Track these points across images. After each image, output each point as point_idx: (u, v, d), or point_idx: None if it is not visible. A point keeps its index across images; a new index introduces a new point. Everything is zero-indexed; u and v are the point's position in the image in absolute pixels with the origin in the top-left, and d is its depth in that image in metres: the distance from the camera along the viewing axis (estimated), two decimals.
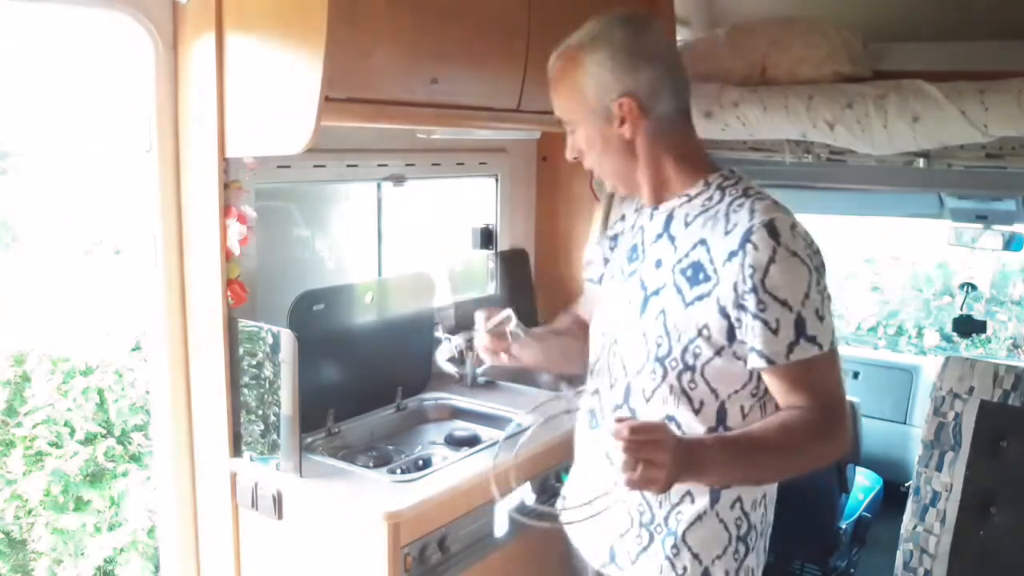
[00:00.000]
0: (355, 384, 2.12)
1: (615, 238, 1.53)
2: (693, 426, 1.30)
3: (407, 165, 2.34)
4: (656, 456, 1.12)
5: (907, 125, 2.15)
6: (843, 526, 2.72)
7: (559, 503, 1.52)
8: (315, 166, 2.08)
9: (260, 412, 1.80)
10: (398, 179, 2.33)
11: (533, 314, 2.73)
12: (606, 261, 1.54)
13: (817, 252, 1.26)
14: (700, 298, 1.27)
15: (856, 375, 3.58)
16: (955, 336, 4.57)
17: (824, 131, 2.28)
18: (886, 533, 2.56)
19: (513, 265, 2.74)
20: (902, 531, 2.21)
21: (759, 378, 1.29)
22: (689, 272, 1.29)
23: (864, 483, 3.04)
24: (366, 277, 2.42)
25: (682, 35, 2.64)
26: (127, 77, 1.84)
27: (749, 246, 1.22)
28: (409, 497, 1.67)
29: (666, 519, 1.34)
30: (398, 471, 1.88)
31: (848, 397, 2.73)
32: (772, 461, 1.26)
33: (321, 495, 1.74)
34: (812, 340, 1.23)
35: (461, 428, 2.20)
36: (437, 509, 1.71)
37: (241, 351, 1.82)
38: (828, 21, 2.39)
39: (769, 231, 1.22)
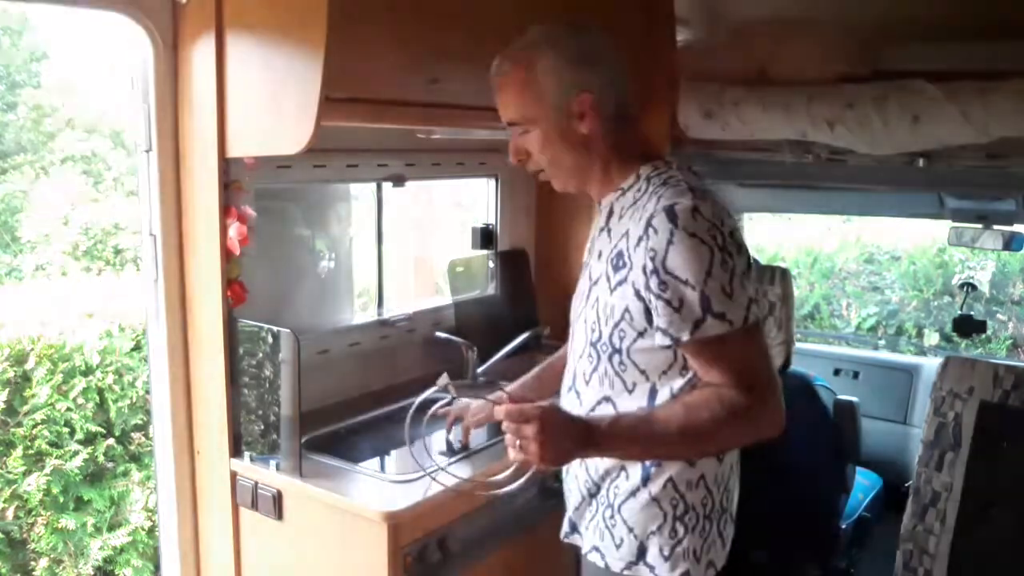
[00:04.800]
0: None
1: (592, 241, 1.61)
2: (628, 407, 1.37)
3: (407, 165, 2.34)
4: (527, 437, 1.24)
5: (907, 125, 2.15)
6: (843, 526, 2.72)
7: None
8: (315, 166, 2.08)
9: (260, 412, 1.80)
10: (398, 179, 2.33)
11: (533, 314, 2.73)
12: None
13: (725, 233, 1.28)
14: (620, 283, 1.35)
15: (856, 375, 3.58)
16: (955, 336, 4.57)
17: (824, 131, 2.28)
18: (886, 533, 2.55)
19: (513, 265, 2.75)
20: (902, 531, 2.21)
21: (684, 360, 1.34)
22: (615, 260, 1.36)
23: (864, 483, 3.03)
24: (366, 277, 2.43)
25: (682, 35, 2.63)
26: (127, 77, 1.84)
27: (650, 230, 1.28)
28: (409, 497, 1.67)
29: (606, 491, 1.43)
30: (399, 471, 1.88)
31: (848, 397, 2.75)
32: (674, 439, 1.30)
33: (321, 495, 1.73)
34: (720, 317, 1.26)
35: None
36: (437, 509, 1.71)
37: (241, 351, 1.82)
38: (828, 21, 2.39)
39: (668, 215, 1.27)
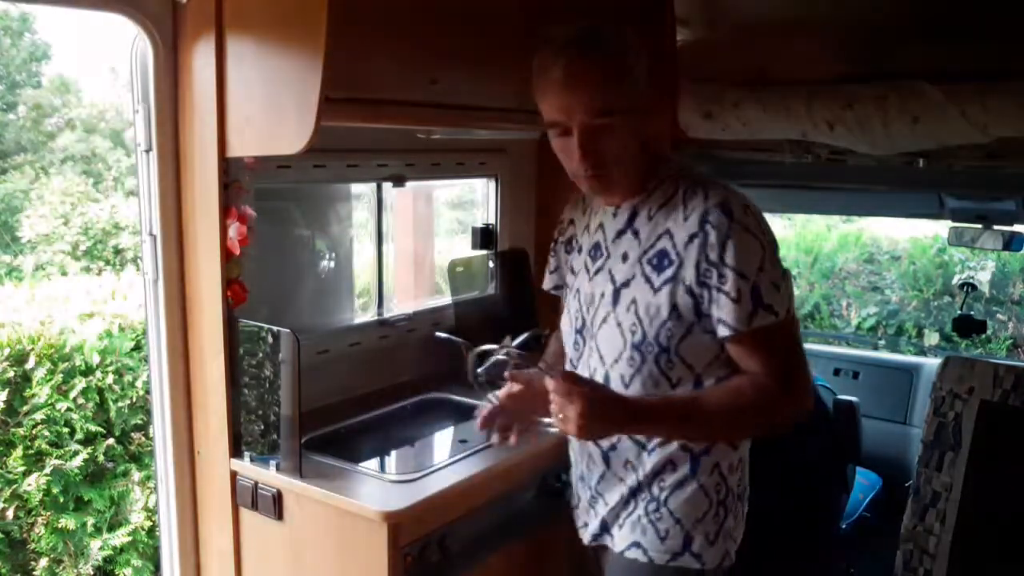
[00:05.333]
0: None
1: (570, 242, 1.61)
2: None
3: (407, 165, 2.34)
4: (570, 416, 1.28)
5: (907, 125, 2.15)
6: (843, 526, 2.73)
7: (569, 491, 1.63)
8: (315, 166, 2.08)
9: (260, 412, 1.80)
10: (398, 179, 2.33)
11: (533, 314, 2.73)
12: (565, 265, 1.63)
13: (768, 230, 1.36)
14: (667, 282, 1.36)
15: (856, 375, 3.58)
16: (955, 336, 4.57)
17: (824, 131, 2.28)
18: (886, 533, 2.55)
19: (513, 265, 2.74)
20: (902, 531, 2.21)
21: (722, 346, 1.38)
22: (655, 260, 1.38)
23: (864, 483, 3.03)
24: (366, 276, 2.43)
25: (682, 35, 2.63)
26: (127, 77, 1.84)
27: (708, 226, 1.32)
28: (409, 497, 1.67)
29: (650, 485, 1.44)
30: (399, 471, 1.88)
31: (848, 397, 2.75)
32: (718, 420, 1.35)
33: (321, 495, 1.73)
34: (769, 308, 1.32)
35: (464, 426, 2.21)
36: (437, 509, 1.71)
37: (241, 351, 1.82)
38: (828, 21, 2.39)
39: (724, 211, 1.32)
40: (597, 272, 1.48)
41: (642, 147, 1.40)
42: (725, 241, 1.31)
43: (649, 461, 1.43)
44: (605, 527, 1.52)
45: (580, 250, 1.56)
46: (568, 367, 1.57)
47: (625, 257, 1.43)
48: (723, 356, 1.39)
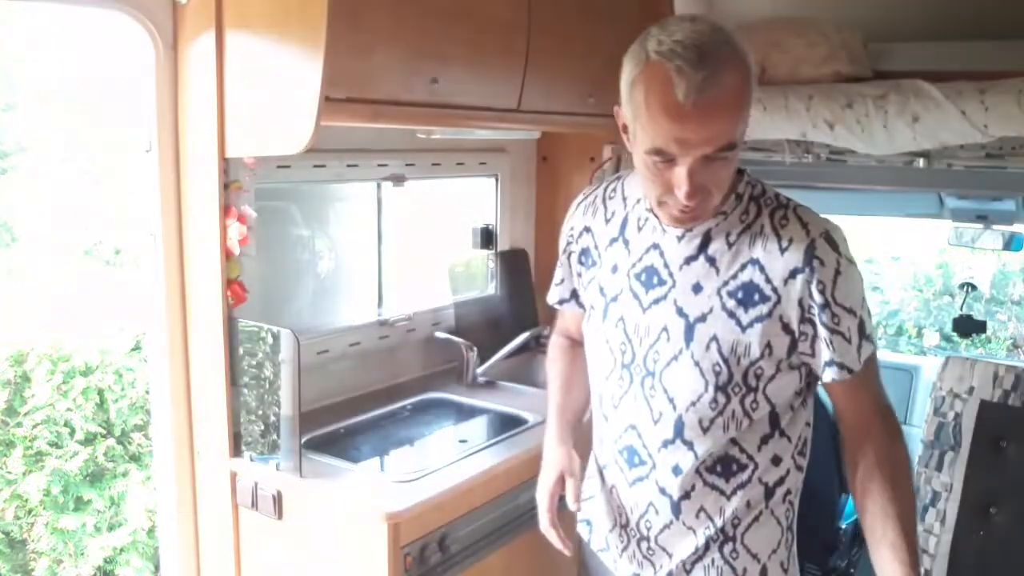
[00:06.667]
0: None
1: (585, 253, 1.42)
2: (750, 438, 1.30)
3: (407, 165, 2.34)
4: None
5: (907, 125, 2.15)
6: (843, 526, 2.72)
7: (583, 528, 1.51)
8: (315, 166, 2.08)
9: (260, 412, 1.80)
10: (398, 179, 2.33)
11: (533, 314, 2.73)
12: (576, 278, 1.46)
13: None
14: (759, 319, 1.23)
15: None
16: (955, 336, 4.57)
17: (824, 131, 2.28)
18: None
19: (513, 265, 2.74)
20: None
21: (805, 380, 1.30)
22: (740, 295, 1.23)
23: None
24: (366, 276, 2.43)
25: None
26: (127, 77, 1.83)
27: (816, 262, 1.20)
28: (409, 497, 1.67)
29: (724, 529, 1.33)
30: (398, 471, 1.88)
31: None
32: (911, 518, 1.27)
33: (321, 495, 1.74)
34: (869, 339, 1.25)
35: (464, 426, 2.21)
36: (437, 509, 1.71)
37: (241, 351, 1.81)
38: (828, 21, 2.39)
39: (831, 244, 1.22)
40: (655, 303, 1.29)
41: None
42: (835, 278, 1.20)
43: (729, 507, 1.31)
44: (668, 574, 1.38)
45: (612, 268, 1.36)
46: (597, 403, 1.41)
47: (698, 288, 1.26)
48: (801, 390, 1.30)
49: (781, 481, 1.33)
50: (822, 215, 1.28)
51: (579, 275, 1.45)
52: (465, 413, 2.28)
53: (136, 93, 1.81)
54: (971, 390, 2.14)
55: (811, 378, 1.31)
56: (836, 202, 3.48)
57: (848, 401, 1.31)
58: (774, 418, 1.30)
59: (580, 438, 1.49)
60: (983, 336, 5.29)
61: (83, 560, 3.08)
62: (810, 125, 2.29)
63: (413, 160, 2.36)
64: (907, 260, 6.08)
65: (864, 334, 1.24)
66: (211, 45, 1.72)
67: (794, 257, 1.21)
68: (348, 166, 2.19)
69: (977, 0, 2.41)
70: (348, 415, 2.11)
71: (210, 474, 1.92)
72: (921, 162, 2.28)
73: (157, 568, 2.58)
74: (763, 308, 1.22)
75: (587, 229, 1.42)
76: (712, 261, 1.26)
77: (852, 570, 2.79)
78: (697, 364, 1.26)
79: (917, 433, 2.38)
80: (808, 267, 1.20)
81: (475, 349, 2.41)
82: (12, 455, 2.94)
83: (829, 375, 1.25)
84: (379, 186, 2.38)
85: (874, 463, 1.27)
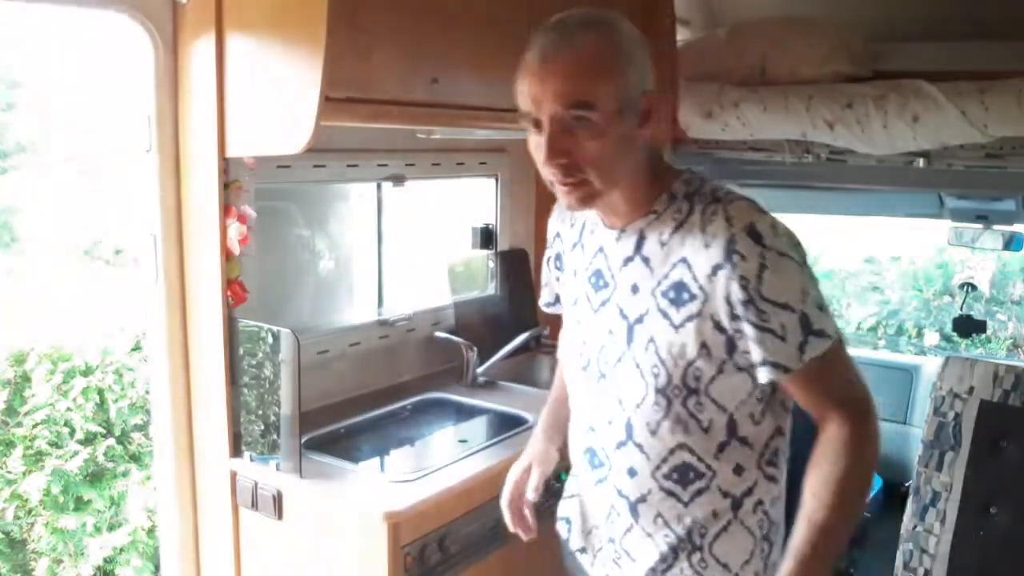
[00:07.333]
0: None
1: (558, 258, 1.45)
2: (704, 445, 1.27)
3: (407, 165, 2.34)
4: None
5: (907, 125, 2.15)
6: None
7: (561, 526, 1.51)
8: (315, 166, 2.08)
9: (260, 412, 1.80)
10: (398, 179, 2.33)
11: (533, 314, 2.73)
12: (555, 283, 1.49)
13: (799, 244, 1.20)
14: (691, 318, 1.20)
15: None
16: (955, 336, 4.57)
17: (824, 131, 2.28)
18: (886, 533, 2.55)
19: (513, 265, 2.74)
20: (902, 531, 2.20)
21: (759, 384, 1.24)
22: (672, 294, 1.21)
23: None
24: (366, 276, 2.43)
25: (682, 35, 2.64)
26: (127, 77, 1.84)
27: (736, 256, 1.15)
28: (409, 497, 1.67)
29: (690, 537, 1.31)
30: (399, 471, 1.89)
31: None
32: (843, 512, 1.23)
33: (321, 495, 1.74)
34: (820, 334, 1.17)
35: (464, 426, 2.21)
36: (437, 509, 1.71)
37: (241, 351, 1.82)
38: (828, 21, 2.39)
39: (752, 237, 1.15)
40: (603, 304, 1.30)
41: (644, 159, 1.23)
42: (760, 272, 1.14)
43: (688, 515, 1.29)
44: None
45: (573, 273, 1.39)
46: (571, 403, 1.42)
47: (636, 289, 1.25)
48: (757, 393, 1.25)
49: (749, 492, 1.30)
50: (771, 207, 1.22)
51: (557, 279, 1.48)
52: (465, 413, 2.28)
53: (136, 93, 1.81)
54: (971, 390, 2.14)
55: (772, 384, 1.25)
56: (836, 202, 3.48)
57: (802, 398, 1.25)
58: (732, 425, 1.26)
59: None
60: (983, 336, 5.29)
61: (83, 560, 3.08)
62: (810, 125, 2.29)
63: (413, 160, 2.36)
64: (907, 260, 6.08)
65: (811, 329, 1.17)
66: (211, 45, 1.72)
67: (715, 253, 1.17)
68: (348, 166, 2.19)
69: (977, 0, 2.41)
70: (348, 415, 2.11)
71: (210, 474, 1.92)
72: (921, 162, 2.29)
73: (157, 568, 2.59)
74: (693, 307, 1.20)
75: (558, 235, 1.45)
76: (647, 261, 1.25)
77: (852, 570, 2.79)
78: (638, 366, 1.25)
79: (917, 433, 2.38)
80: (728, 263, 1.16)
81: (475, 349, 2.42)
82: (12, 455, 2.94)
83: (763, 375, 1.19)
84: (379, 186, 2.38)
85: (817, 459, 1.24)
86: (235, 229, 1.79)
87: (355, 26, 1.65)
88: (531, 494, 1.47)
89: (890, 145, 2.21)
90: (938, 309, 5.83)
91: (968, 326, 3.42)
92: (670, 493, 1.29)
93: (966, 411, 2.13)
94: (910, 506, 2.20)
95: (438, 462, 1.85)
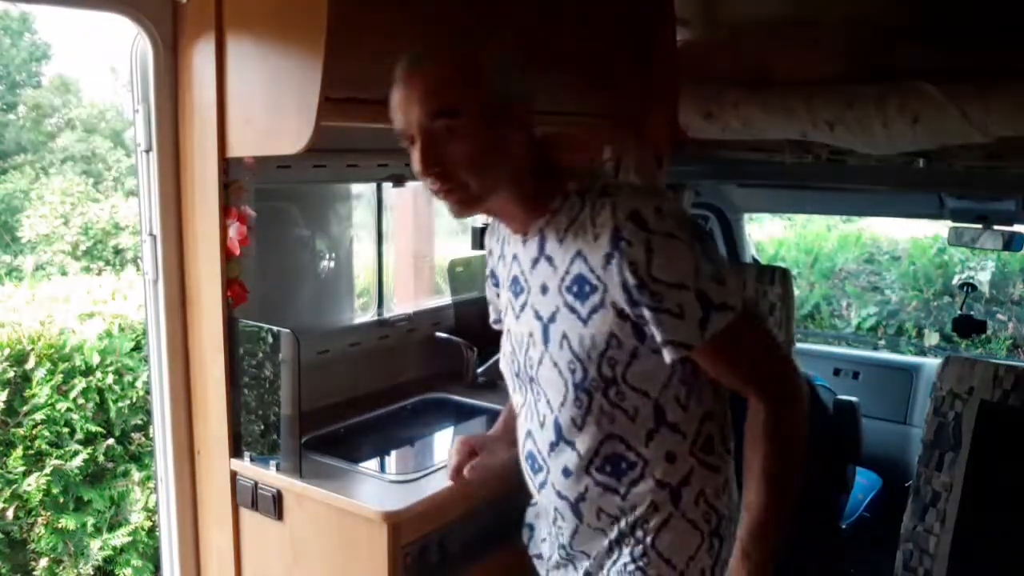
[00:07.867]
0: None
1: (494, 275, 1.49)
2: (633, 432, 1.28)
3: (407, 165, 2.33)
4: None
5: (907, 125, 2.15)
6: (843, 526, 2.72)
7: (525, 532, 1.55)
8: (315, 166, 2.08)
9: (260, 412, 1.80)
10: (398, 179, 2.33)
11: None
12: (496, 299, 1.51)
13: (690, 224, 1.22)
14: (595, 309, 1.23)
15: (856, 375, 3.58)
16: (955, 336, 4.57)
17: (824, 131, 2.28)
18: (886, 533, 2.55)
19: None
20: (902, 531, 2.21)
21: (683, 366, 1.26)
22: (575, 288, 1.24)
23: (864, 483, 3.03)
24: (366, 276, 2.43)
25: (682, 35, 2.63)
26: (127, 77, 1.84)
27: (623, 243, 1.18)
28: (409, 497, 1.67)
29: (633, 530, 1.32)
30: (399, 471, 1.89)
31: (848, 397, 2.75)
32: (774, 506, 1.25)
33: (321, 495, 1.73)
34: (722, 307, 1.20)
35: (464, 427, 2.21)
36: (437, 509, 1.71)
37: (241, 351, 1.82)
38: (828, 21, 2.39)
39: (636, 222, 1.18)
40: (522, 309, 1.34)
41: (529, 161, 1.26)
42: (648, 255, 1.17)
43: (627, 506, 1.31)
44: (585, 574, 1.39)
45: (502, 284, 1.42)
46: (518, 417, 1.44)
47: (545, 289, 1.29)
48: (678, 374, 1.26)
49: (686, 481, 1.30)
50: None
51: (497, 296, 1.50)
52: (465, 413, 2.28)
53: (136, 93, 1.81)
54: (971, 390, 2.14)
55: (693, 365, 1.27)
56: (836, 202, 3.49)
57: (717, 376, 1.27)
58: (659, 411, 1.28)
59: None
60: (983, 336, 5.29)
61: (83, 560, 3.08)
62: (810, 125, 2.29)
63: None
64: (907, 260, 6.08)
65: (712, 304, 1.19)
66: (211, 45, 1.72)
67: (604, 243, 1.20)
68: (348, 166, 2.19)
69: (977, 0, 2.41)
70: (348, 415, 2.11)
71: (210, 474, 1.92)
72: (921, 162, 2.29)
73: (157, 568, 2.59)
74: (595, 299, 1.23)
75: (491, 251, 1.50)
76: (550, 260, 1.28)
77: (852, 570, 2.79)
78: (556, 364, 1.28)
79: (917, 433, 2.38)
80: (617, 250, 1.19)
81: (475, 349, 2.42)
82: (12, 455, 2.94)
83: (668, 355, 1.21)
84: (379, 186, 2.38)
85: (745, 445, 1.26)
86: (235, 229, 1.79)
87: (355, 26, 1.65)
88: (467, 473, 1.52)
89: (890, 145, 2.21)
90: (938, 309, 5.83)
91: (968, 326, 3.42)
92: (607, 488, 1.31)
93: (966, 411, 2.13)
94: (910, 506, 2.21)
95: (438, 462, 1.85)
